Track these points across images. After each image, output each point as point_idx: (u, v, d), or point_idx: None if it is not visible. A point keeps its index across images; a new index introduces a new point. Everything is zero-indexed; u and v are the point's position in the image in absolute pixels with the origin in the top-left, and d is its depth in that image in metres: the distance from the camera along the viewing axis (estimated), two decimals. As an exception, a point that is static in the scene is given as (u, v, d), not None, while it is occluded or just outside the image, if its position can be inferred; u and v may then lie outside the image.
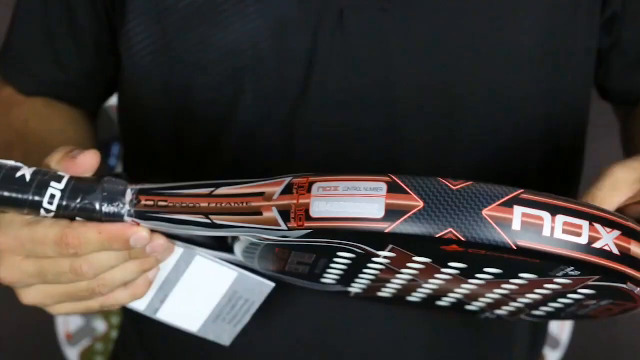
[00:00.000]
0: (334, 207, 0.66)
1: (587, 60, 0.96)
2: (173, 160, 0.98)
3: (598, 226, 0.66)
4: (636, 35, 0.97)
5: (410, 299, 0.84)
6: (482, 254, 0.66)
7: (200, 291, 0.82)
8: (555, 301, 0.78)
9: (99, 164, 0.75)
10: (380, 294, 0.84)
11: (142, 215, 0.73)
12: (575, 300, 0.77)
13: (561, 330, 1.72)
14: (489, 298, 0.80)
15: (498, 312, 0.85)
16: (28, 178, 0.72)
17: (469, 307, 0.84)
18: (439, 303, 0.84)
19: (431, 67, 0.92)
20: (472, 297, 0.80)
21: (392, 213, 0.65)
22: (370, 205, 0.65)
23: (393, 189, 0.65)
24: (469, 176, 0.92)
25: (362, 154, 0.93)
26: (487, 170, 0.95)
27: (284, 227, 0.68)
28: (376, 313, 0.97)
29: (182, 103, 0.95)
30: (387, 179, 0.66)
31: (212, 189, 0.71)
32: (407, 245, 0.68)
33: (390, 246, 0.68)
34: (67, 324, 1.82)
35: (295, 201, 0.67)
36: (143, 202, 0.72)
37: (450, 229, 0.64)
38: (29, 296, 0.77)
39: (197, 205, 0.71)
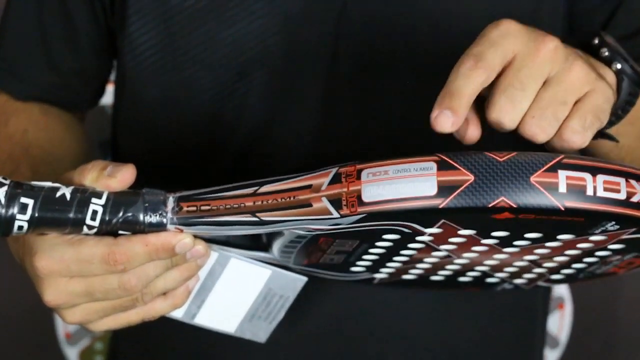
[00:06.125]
0: (386, 189, 0.69)
1: None
2: (175, 162, 0.98)
3: (633, 182, 0.70)
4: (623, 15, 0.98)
5: (434, 278, 0.86)
6: (530, 219, 0.69)
7: (236, 292, 0.83)
8: (580, 262, 0.81)
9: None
10: (405, 276, 0.85)
11: (185, 221, 0.73)
12: (601, 257, 0.80)
13: (560, 329, 1.72)
14: (515, 267, 0.83)
15: (517, 281, 0.87)
16: (68, 197, 0.72)
17: (489, 280, 0.87)
18: (462, 279, 0.86)
19: (434, 52, 0.93)
20: (498, 268, 0.83)
21: (444, 189, 0.68)
22: (422, 183, 0.68)
23: (443, 166, 0.68)
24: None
25: (373, 147, 0.94)
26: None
27: (336, 214, 0.70)
28: (392, 299, 0.98)
29: (188, 102, 0.95)
30: (436, 157, 0.69)
31: (255, 188, 0.73)
32: (458, 218, 0.70)
33: (441, 221, 0.71)
34: (66, 324, 1.82)
35: (345, 189, 0.70)
36: (185, 209, 0.73)
37: (502, 197, 0.67)
38: (74, 315, 0.77)
39: (242, 205, 0.72)
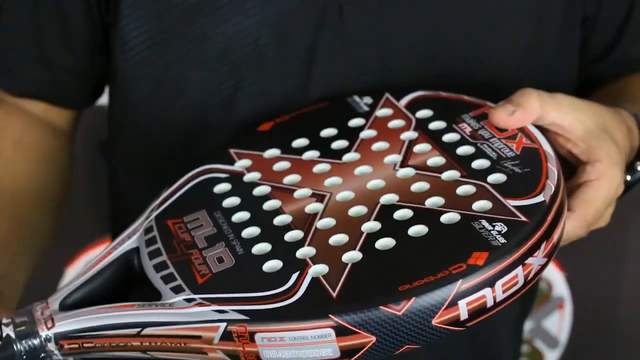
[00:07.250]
0: (286, 354, 0.67)
1: (572, 55, 0.98)
2: (165, 158, 0.97)
3: (530, 260, 0.69)
4: (597, 37, 0.99)
5: None
6: None
7: None
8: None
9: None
10: None
11: (72, 355, 0.71)
12: None
13: (560, 329, 1.72)
14: None
15: None
16: None
17: None
18: None
19: (429, 61, 0.92)
20: None
21: (347, 352, 0.67)
22: (323, 349, 0.67)
23: (341, 332, 0.66)
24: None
25: None
26: None
27: None
28: None
29: (177, 99, 0.94)
30: (332, 323, 0.66)
31: (137, 329, 0.69)
32: None
33: None
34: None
35: (241, 348, 0.67)
36: (67, 347, 0.70)
37: (407, 346, 0.67)
38: None
39: (129, 344, 0.70)
